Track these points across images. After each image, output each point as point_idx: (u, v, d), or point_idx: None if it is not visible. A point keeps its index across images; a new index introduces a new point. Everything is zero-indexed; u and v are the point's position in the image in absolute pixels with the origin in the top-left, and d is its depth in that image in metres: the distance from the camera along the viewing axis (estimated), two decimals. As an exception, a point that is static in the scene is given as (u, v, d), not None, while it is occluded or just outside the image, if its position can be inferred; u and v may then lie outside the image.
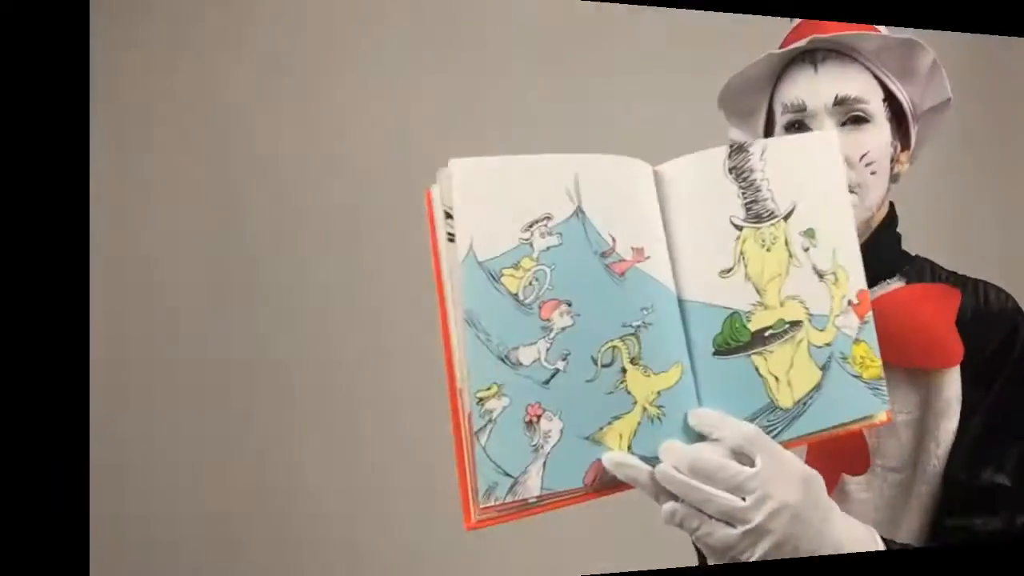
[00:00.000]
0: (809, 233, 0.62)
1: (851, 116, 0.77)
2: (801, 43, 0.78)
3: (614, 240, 0.57)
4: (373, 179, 1.62)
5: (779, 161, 0.62)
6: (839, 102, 0.77)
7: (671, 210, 0.60)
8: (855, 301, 0.63)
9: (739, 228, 0.60)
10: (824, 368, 0.61)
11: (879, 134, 0.78)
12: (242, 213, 1.60)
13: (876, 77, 0.79)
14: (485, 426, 0.53)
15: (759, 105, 0.84)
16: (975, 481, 0.74)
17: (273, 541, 1.56)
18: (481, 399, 0.53)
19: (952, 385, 0.76)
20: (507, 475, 0.53)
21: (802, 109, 0.78)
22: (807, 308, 0.61)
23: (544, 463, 0.54)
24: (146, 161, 1.56)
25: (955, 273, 0.85)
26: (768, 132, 0.86)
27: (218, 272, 1.58)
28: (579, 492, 0.55)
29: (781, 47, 0.81)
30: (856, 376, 0.62)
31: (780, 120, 0.81)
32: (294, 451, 1.58)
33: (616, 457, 0.55)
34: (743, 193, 0.61)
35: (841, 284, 0.62)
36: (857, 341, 0.63)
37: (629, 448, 0.56)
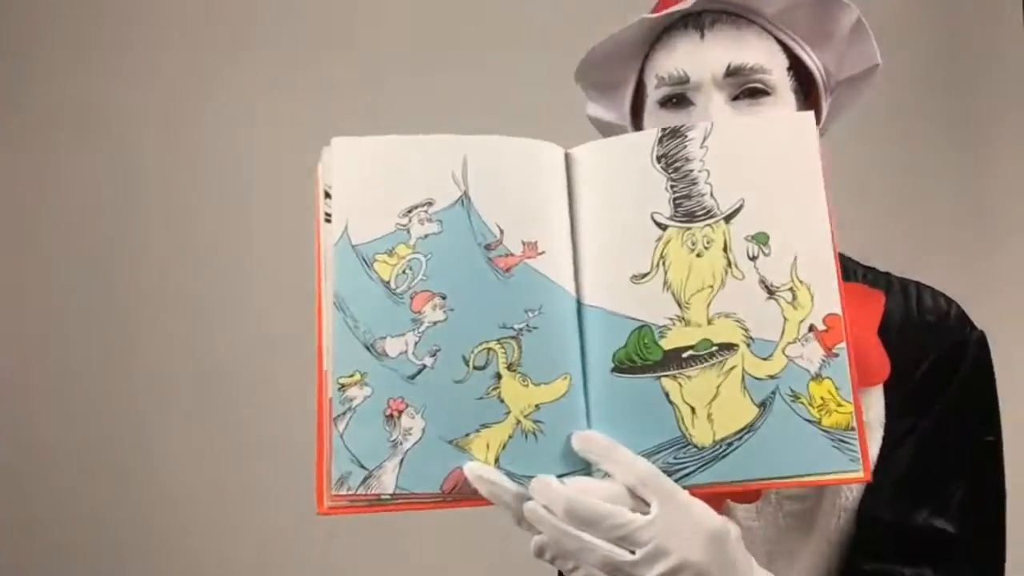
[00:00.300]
0: (759, 238, 0.51)
1: (746, 88, 0.63)
2: (684, 4, 0.63)
3: (502, 232, 0.52)
4: (271, 160, 1.58)
5: (727, 148, 0.51)
6: (732, 72, 0.62)
7: (581, 201, 0.53)
8: (821, 327, 0.50)
9: (663, 227, 0.51)
10: (763, 405, 0.50)
11: (780, 109, 0.62)
12: (135, 202, 1.65)
13: (780, 42, 0.64)
14: (344, 413, 0.52)
15: (626, 77, 0.70)
16: (907, 523, 0.58)
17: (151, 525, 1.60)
18: (343, 385, 0.52)
19: (872, 407, 0.60)
20: (362, 467, 0.52)
21: (683, 81, 0.64)
22: (746, 329, 0.50)
23: (401, 461, 0.51)
24: (38, 161, 1.65)
25: (874, 269, 0.67)
26: (636, 109, 0.71)
27: (105, 269, 1.63)
28: (437, 498, 0.52)
29: (654, 11, 0.66)
30: (812, 421, 0.50)
31: (653, 94, 0.66)
32: (171, 424, 1.61)
33: (478, 469, 0.50)
34: (673, 186, 0.51)
35: (800, 304, 0.50)
36: (819, 377, 0.50)
37: (496, 461, 0.51)
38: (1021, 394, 1.53)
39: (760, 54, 0.63)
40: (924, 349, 0.62)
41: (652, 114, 0.67)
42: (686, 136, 0.52)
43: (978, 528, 0.61)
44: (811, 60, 0.66)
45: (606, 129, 0.77)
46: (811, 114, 0.51)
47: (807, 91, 0.68)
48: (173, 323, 1.65)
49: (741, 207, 0.51)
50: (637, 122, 0.72)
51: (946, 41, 1.67)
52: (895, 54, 1.68)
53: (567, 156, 0.54)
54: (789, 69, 0.66)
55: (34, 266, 1.67)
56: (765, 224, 0.50)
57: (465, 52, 1.61)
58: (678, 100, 0.65)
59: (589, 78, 0.74)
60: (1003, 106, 1.66)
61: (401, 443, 0.51)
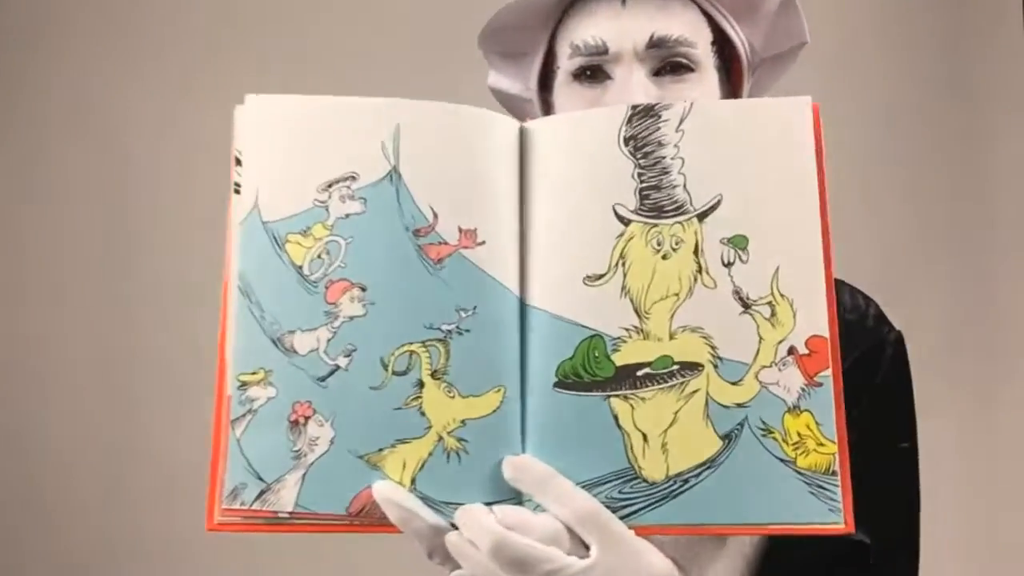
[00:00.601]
0: (737, 241, 0.43)
1: (669, 63, 0.58)
2: None
3: (436, 216, 0.44)
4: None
5: (707, 134, 0.43)
6: (655, 44, 0.57)
7: (534, 184, 0.45)
8: (803, 351, 0.42)
9: (625, 222, 0.43)
10: (728, 438, 0.42)
11: (704, 87, 0.58)
12: (126, 198, 1.59)
13: (706, 14, 0.59)
14: (244, 416, 0.45)
15: (535, 45, 0.63)
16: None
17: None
18: (244, 383, 0.45)
19: None
20: (259, 478, 0.44)
21: (601, 51, 0.58)
22: (714, 348, 0.43)
23: (304, 475, 0.44)
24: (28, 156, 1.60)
25: None
26: (544, 80, 0.65)
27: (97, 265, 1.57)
28: (342, 520, 0.44)
29: None
30: (785, 460, 0.42)
31: (566, 65, 0.60)
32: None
33: (388, 490, 0.43)
34: (641, 174, 0.43)
35: (780, 322, 0.42)
36: (796, 410, 0.42)
37: (412, 483, 0.44)
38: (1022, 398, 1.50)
39: (685, 26, 0.58)
40: (842, 350, 0.59)
41: (564, 87, 0.62)
42: (660, 116, 0.43)
43: (896, 539, 0.58)
44: (736, 35, 0.62)
45: (509, 102, 0.71)
46: (808, 99, 0.43)
47: (729, 68, 0.64)
48: (167, 318, 1.59)
49: (718, 203, 0.43)
50: (545, 95, 0.67)
51: (946, 41, 1.61)
52: (895, 54, 1.59)
53: (522, 131, 0.46)
54: (713, 44, 0.61)
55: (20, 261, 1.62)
56: (745, 225, 0.43)
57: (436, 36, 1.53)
58: (593, 72, 0.60)
59: (493, 45, 0.68)
60: (1003, 106, 1.60)
61: (306, 454, 0.44)
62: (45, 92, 1.62)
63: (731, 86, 0.64)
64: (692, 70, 0.58)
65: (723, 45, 0.62)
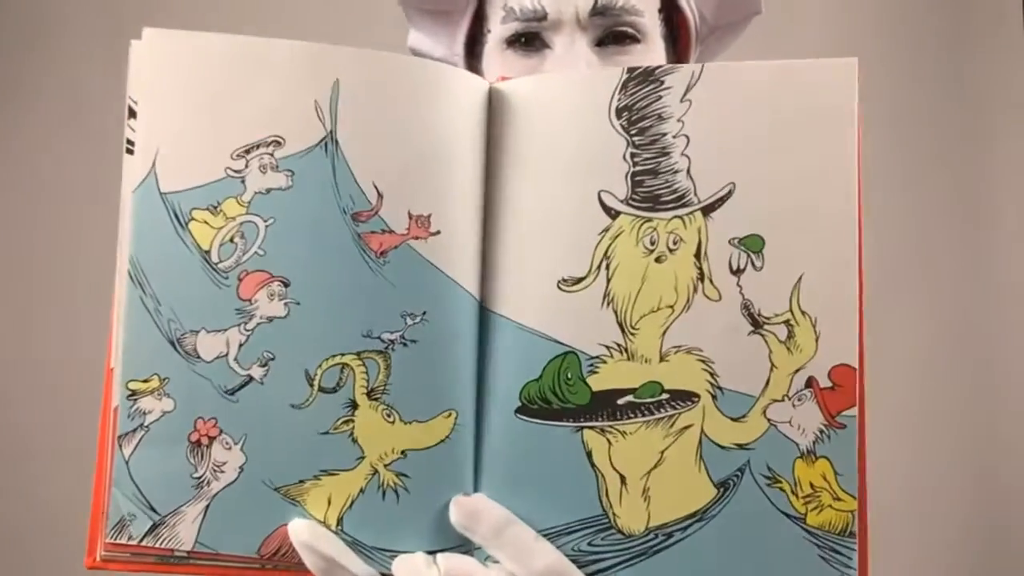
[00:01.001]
0: (751, 243, 0.35)
1: (614, 32, 0.53)
2: None
3: (380, 197, 0.36)
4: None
5: (719, 105, 0.35)
6: (599, 11, 0.52)
7: (504, 161, 0.37)
8: (825, 383, 0.34)
9: (612, 213, 0.35)
10: (724, 486, 0.34)
11: (650, 59, 0.53)
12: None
13: None
14: (134, 431, 0.36)
15: (463, 3, 0.57)
16: None
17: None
18: (134, 392, 0.36)
19: None
20: (151, 509, 0.36)
21: (540, 17, 0.52)
22: (714, 375, 0.35)
23: (207, 508, 0.36)
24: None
25: None
26: (472, 45, 0.59)
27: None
28: (252, 564, 0.37)
29: None
30: (793, 516, 0.34)
31: (499, 30, 0.55)
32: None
33: (306, 531, 0.35)
34: (635, 155, 0.35)
35: (799, 346, 0.34)
36: (811, 455, 0.34)
37: (339, 523, 0.36)
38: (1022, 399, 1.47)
39: None
40: None
41: (496, 54, 0.56)
42: (662, 82, 0.35)
43: None
44: (687, 2, 0.57)
45: None
46: (854, 62, 0.35)
47: (676, 36, 0.58)
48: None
49: (729, 195, 0.35)
50: (473, 62, 0.60)
51: (946, 41, 1.56)
52: (895, 54, 1.54)
53: (491, 93, 0.37)
54: (660, 11, 0.56)
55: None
56: (762, 223, 0.34)
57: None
58: (529, 39, 0.54)
59: (415, 2, 0.61)
60: (1003, 106, 1.55)
61: (209, 483, 0.36)
62: (43, 90, 1.52)
63: (677, 56, 0.60)
64: (638, 40, 0.53)
65: (671, 12, 0.57)
